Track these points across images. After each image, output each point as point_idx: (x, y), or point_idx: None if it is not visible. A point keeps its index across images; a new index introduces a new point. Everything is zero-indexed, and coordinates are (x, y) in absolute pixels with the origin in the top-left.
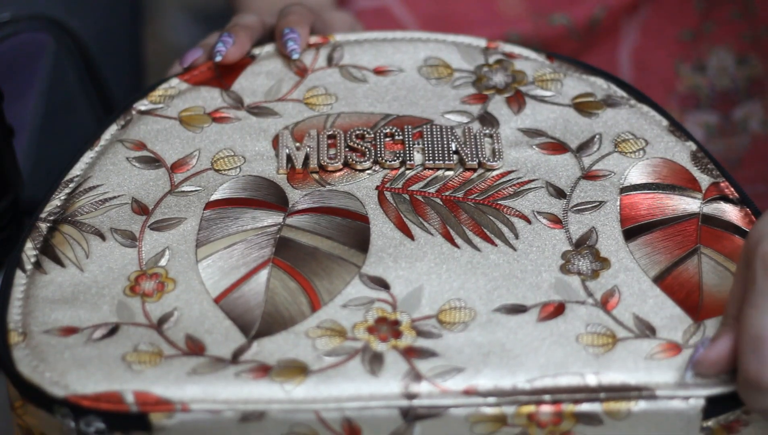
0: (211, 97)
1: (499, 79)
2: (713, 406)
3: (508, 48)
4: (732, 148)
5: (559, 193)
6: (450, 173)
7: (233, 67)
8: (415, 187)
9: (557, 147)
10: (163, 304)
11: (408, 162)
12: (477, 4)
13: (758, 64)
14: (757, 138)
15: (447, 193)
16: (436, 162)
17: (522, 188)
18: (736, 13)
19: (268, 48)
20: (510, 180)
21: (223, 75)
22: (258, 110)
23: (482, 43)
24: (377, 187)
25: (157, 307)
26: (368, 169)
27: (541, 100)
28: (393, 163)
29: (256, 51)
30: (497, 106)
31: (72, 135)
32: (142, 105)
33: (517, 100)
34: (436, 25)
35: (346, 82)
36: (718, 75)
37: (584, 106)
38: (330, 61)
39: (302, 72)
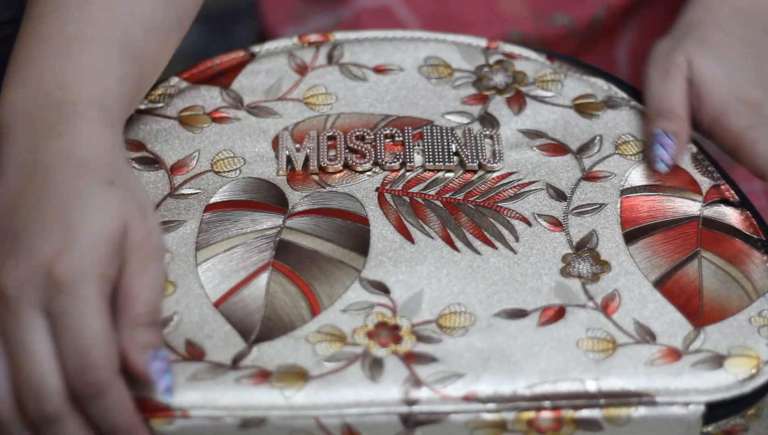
0: (210, 96)
1: (499, 79)
2: (713, 412)
3: (509, 48)
4: None
5: (560, 195)
6: (450, 175)
7: (233, 65)
8: (415, 189)
9: (558, 148)
10: (163, 308)
11: (408, 163)
12: (479, 3)
13: None
14: None
15: (447, 196)
16: (437, 163)
17: (522, 190)
18: None
19: (268, 45)
20: (510, 182)
21: (223, 73)
22: (257, 110)
23: (482, 43)
24: (377, 189)
25: None
26: (368, 170)
27: (541, 100)
28: (393, 164)
29: (256, 49)
30: (497, 106)
31: None
32: (142, 103)
33: (518, 101)
34: (437, 24)
35: (346, 81)
36: None
37: (585, 108)
38: (330, 59)
39: (302, 70)
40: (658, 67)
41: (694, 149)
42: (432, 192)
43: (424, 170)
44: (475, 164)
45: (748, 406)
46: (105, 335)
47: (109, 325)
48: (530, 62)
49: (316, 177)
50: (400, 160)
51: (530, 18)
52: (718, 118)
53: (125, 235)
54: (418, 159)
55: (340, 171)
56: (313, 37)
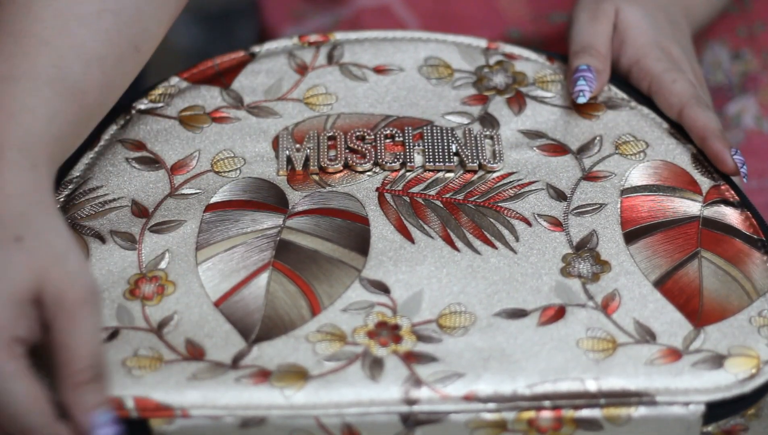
0: (210, 96)
1: (499, 79)
2: (713, 412)
3: (509, 49)
4: None
5: (560, 195)
6: (450, 175)
7: (233, 65)
8: (415, 190)
9: (558, 148)
10: (163, 308)
11: (408, 164)
12: (478, 2)
13: (752, 59)
14: (751, 133)
15: (447, 196)
16: (437, 164)
17: (523, 190)
18: (732, 7)
19: (268, 46)
20: (510, 182)
21: (224, 73)
22: (258, 110)
23: (483, 43)
24: (377, 189)
25: (157, 310)
26: (368, 170)
27: (541, 101)
28: (393, 165)
29: (256, 49)
30: (498, 106)
31: None
32: (142, 104)
33: (518, 101)
34: (437, 23)
35: (346, 81)
36: (713, 70)
37: (585, 108)
38: (330, 59)
39: (302, 70)
40: (587, 11)
41: (695, 150)
42: (432, 192)
43: (425, 170)
44: (475, 164)
45: (748, 406)
46: (32, 398)
47: (31, 385)
48: (530, 63)
49: (316, 177)
50: (401, 161)
51: (529, 17)
52: (639, 60)
53: (42, 289)
54: (418, 159)
55: (341, 171)
56: (313, 37)
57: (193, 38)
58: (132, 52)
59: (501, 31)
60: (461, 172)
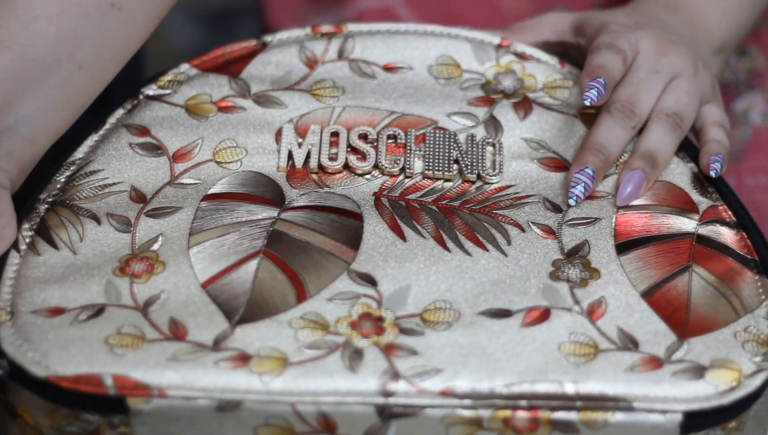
0: (218, 85)
1: (508, 83)
2: (690, 422)
3: (521, 47)
4: (734, 140)
5: (556, 209)
6: (448, 184)
7: (244, 54)
8: (412, 197)
9: (558, 163)
10: (151, 286)
11: (407, 169)
12: (480, 3)
13: (759, 56)
14: (758, 130)
15: (443, 202)
16: (436, 172)
17: (519, 202)
18: None
19: (280, 36)
20: (507, 194)
21: (234, 62)
22: (264, 100)
23: (495, 40)
24: (374, 194)
25: (145, 288)
26: (368, 174)
27: (548, 108)
28: (392, 169)
29: (268, 38)
30: (503, 110)
31: (71, 135)
32: (150, 89)
33: (524, 106)
34: (439, 24)
35: (354, 77)
36: None
37: (591, 118)
38: (341, 53)
39: (312, 64)
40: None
41: (696, 169)
42: (428, 199)
43: (423, 177)
44: (473, 175)
45: (728, 419)
46: None
47: None
48: (541, 65)
49: (315, 176)
50: (400, 166)
51: (531, 15)
52: None
53: None
54: (417, 165)
55: (340, 172)
56: (326, 28)
57: (193, 38)
58: (106, 8)
59: None
60: (459, 181)
